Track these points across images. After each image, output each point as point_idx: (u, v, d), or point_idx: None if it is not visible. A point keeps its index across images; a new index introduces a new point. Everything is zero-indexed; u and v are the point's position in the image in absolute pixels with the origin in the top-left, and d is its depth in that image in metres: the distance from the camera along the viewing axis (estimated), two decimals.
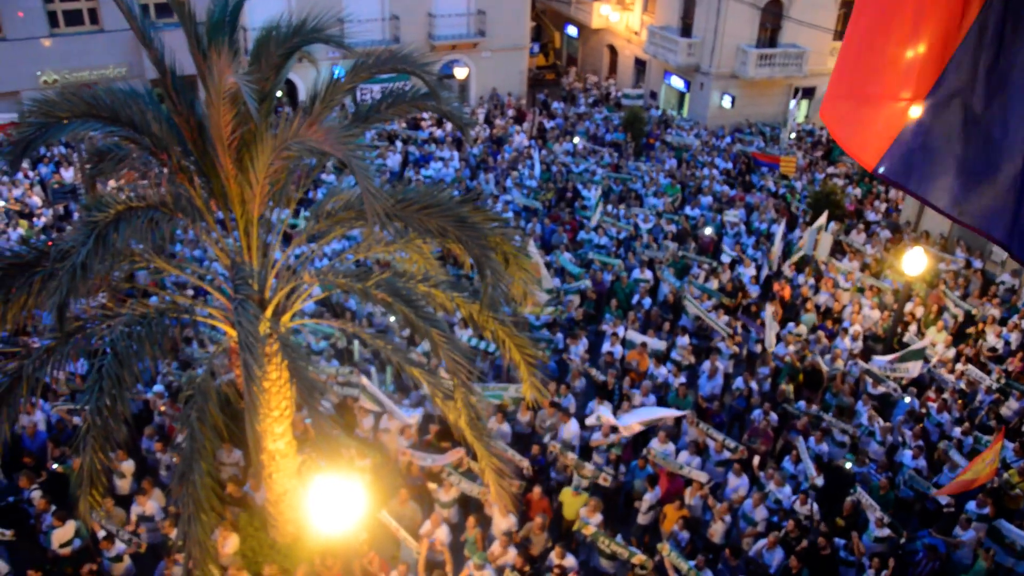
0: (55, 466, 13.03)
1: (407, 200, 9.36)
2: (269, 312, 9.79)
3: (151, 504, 12.29)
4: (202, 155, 9.39)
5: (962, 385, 16.27)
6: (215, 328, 12.62)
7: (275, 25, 9.70)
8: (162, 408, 14.14)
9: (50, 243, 9.65)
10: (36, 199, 24.00)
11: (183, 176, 9.47)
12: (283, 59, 9.79)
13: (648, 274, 19.77)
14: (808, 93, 35.28)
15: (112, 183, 11.85)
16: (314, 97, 10.20)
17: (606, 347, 16.75)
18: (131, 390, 8.98)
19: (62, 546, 11.73)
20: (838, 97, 4.00)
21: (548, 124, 33.44)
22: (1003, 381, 16.14)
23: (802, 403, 15.06)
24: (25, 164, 25.95)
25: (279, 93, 11.51)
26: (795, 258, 20.84)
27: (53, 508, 11.93)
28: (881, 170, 4.01)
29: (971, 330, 18.41)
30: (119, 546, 11.60)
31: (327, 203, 10.64)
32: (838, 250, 21.87)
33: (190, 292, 16.59)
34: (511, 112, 34.97)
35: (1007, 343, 17.85)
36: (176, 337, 16.06)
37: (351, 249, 11.15)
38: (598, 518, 12.05)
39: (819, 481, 12.98)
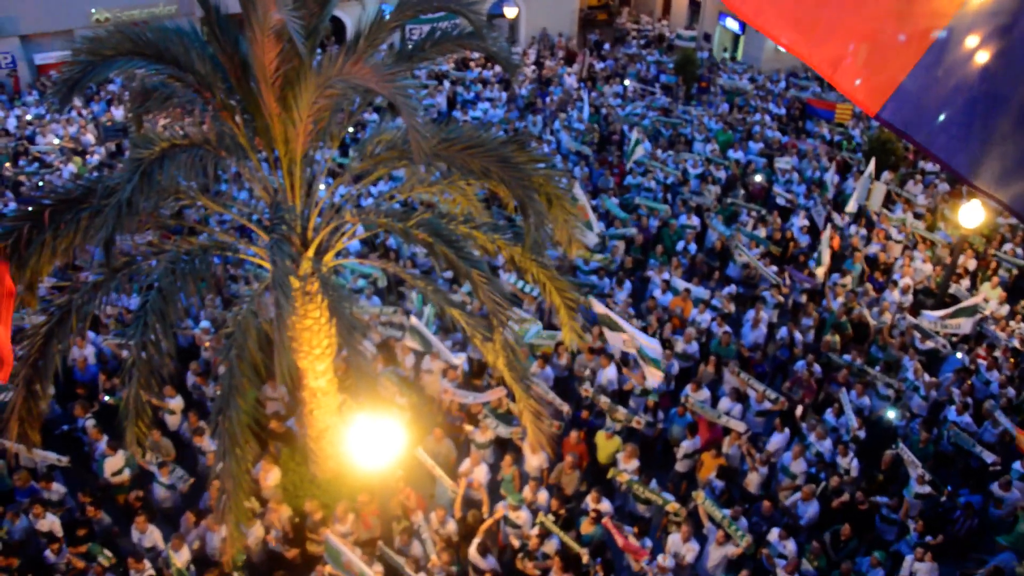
0: (106, 398, 13.39)
1: (451, 140, 9.28)
2: (311, 251, 9.84)
3: (205, 440, 12.61)
4: (246, 93, 9.37)
5: (1015, 343, 15.91)
6: (260, 266, 12.76)
7: None
8: (207, 344, 14.39)
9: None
10: (90, 136, 24.35)
11: (227, 114, 9.47)
12: None
13: (695, 220, 19.51)
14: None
15: (159, 121, 11.94)
16: (359, 35, 10.09)
17: (652, 292, 16.64)
18: (177, 325, 9.13)
19: (114, 474, 12.13)
20: (821, 38, 3.53)
21: (599, 66, 32.88)
22: None
23: (847, 356, 14.85)
24: (78, 102, 26.31)
25: (325, 30, 11.42)
26: (849, 207, 20.37)
27: (105, 438, 12.31)
28: (886, 115, 3.55)
29: None
30: (178, 472, 11.97)
31: (372, 142, 10.61)
32: (892, 200, 21.34)
33: (235, 231, 16.80)
34: (561, 53, 34.44)
35: None
36: (220, 275, 16.31)
37: (395, 189, 11.12)
38: (634, 464, 12.09)
39: (861, 434, 12.85)
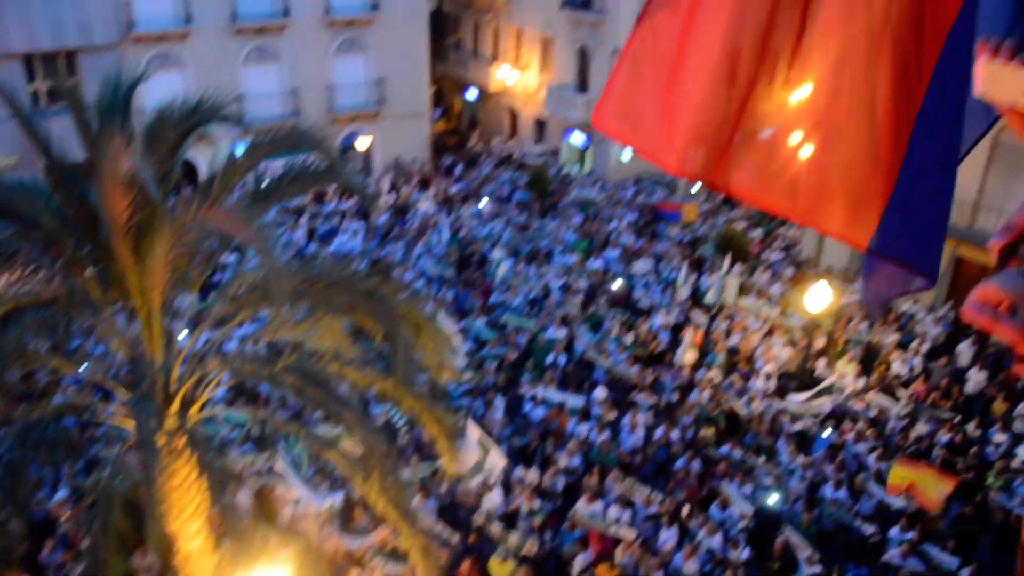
0: None
1: (314, 277, 9.20)
2: (176, 406, 9.41)
3: None
4: (98, 244, 9.06)
5: (873, 413, 16.78)
6: (121, 427, 12.09)
7: (170, 106, 9.50)
8: (64, 516, 13.36)
9: None
10: None
11: (78, 268, 9.11)
12: (180, 140, 9.58)
13: (563, 331, 19.85)
14: None
15: (4, 280, 11.37)
16: (213, 178, 9.98)
17: (527, 409, 16.67)
18: (27, 503, 8.48)
19: None
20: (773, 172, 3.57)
21: (453, 188, 33.60)
22: (911, 406, 16.72)
23: (725, 448, 15.21)
24: None
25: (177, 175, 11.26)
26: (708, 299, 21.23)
27: None
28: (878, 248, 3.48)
29: (879, 362, 19.07)
30: None
31: (233, 285, 10.38)
32: (745, 291, 22.40)
33: (93, 388, 15.91)
34: (416, 179, 35.04)
35: (911, 368, 18.54)
36: (76, 439, 15.35)
37: (260, 331, 10.86)
38: None
39: (750, 523, 13.07)
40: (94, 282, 9.19)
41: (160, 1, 30.03)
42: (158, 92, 23.35)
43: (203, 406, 10.05)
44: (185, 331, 10.69)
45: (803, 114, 3.32)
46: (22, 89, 27.03)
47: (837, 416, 16.75)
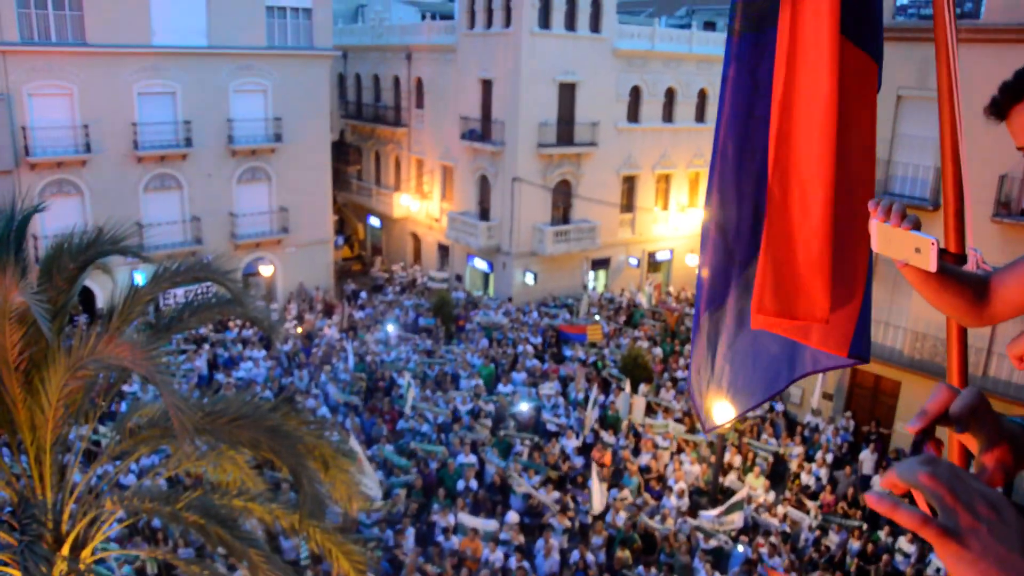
0: None
1: (216, 412, 8.93)
2: (67, 549, 8.85)
3: None
4: None
5: (786, 527, 16.97)
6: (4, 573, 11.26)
7: (69, 236, 9.29)
8: None
9: None
10: None
11: None
12: (78, 271, 9.34)
13: (473, 457, 19.61)
14: (603, 264, 37.52)
15: None
16: (112, 310, 9.72)
17: (438, 537, 16.27)
18: None
19: None
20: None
21: (358, 315, 33.44)
22: (820, 517, 17.01)
23: (641, 568, 15.07)
24: None
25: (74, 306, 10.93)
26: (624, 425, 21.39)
27: None
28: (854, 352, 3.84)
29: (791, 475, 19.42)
30: None
31: (130, 418, 9.99)
32: (651, 410, 22.67)
33: None
34: (320, 306, 34.80)
35: (818, 479, 18.92)
36: None
37: (161, 464, 10.42)
38: None
39: None
40: None
41: (58, 129, 29.71)
42: (55, 218, 23.01)
43: (96, 547, 9.49)
44: (78, 466, 10.18)
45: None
46: None
47: (750, 531, 16.87)
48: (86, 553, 9.19)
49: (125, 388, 22.20)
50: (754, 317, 3.48)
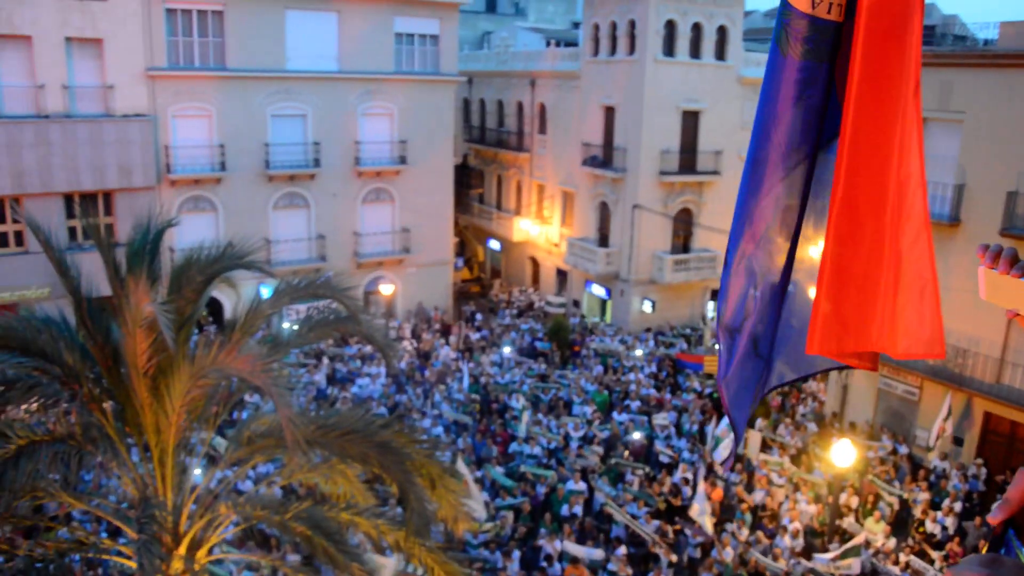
0: None
1: (329, 426, 9.16)
2: (183, 548, 9.21)
3: None
4: (116, 382, 9.12)
5: None
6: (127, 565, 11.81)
7: (197, 250, 9.74)
8: None
9: None
10: None
11: (94, 405, 9.13)
12: (205, 284, 9.77)
13: (582, 484, 19.44)
14: (719, 297, 36.73)
15: (20, 412, 11.40)
16: (235, 321, 10.11)
17: (542, 563, 16.16)
18: None
19: None
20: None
21: (474, 336, 33.78)
22: (945, 568, 15.99)
23: None
24: None
25: (204, 312, 11.45)
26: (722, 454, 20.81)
27: None
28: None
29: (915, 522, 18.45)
30: None
31: (248, 428, 10.34)
32: (767, 446, 21.99)
33: (101, 522, 15.65)
34: (437, 325, 35.32)
35: (944, 528, 17.89)
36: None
37: (276, 473, 10.74)
38: None
39: None
40: (110, 418, 9.18)
41: (197, 148, 31.37)
42: (190, 232, 24.17)
43: (211, 549, 9.83)
44: (199, 470, 10.60)
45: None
46: (62, 225, 27.97)
47: None
48: (201, 553, 9.54)
49: (247, 399, 23.04)
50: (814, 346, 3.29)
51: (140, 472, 9.54)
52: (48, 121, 28.52)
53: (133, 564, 9.53)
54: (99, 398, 9.13)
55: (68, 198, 29.40)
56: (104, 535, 12.94)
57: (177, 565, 9.12)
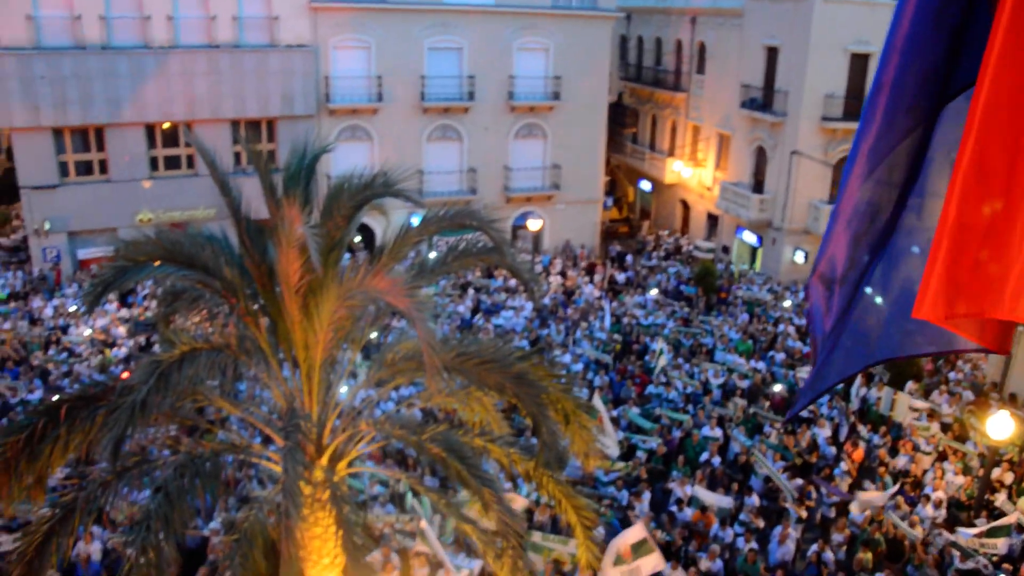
0: None
1: (468, 354, 9.37)
2: (325, 459, 9.72)
3: None
4: (270, 299, 9.61)
5: None
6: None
7: (348, 177, 10.04)
8: (216, 548, 13.98)
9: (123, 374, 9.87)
10: (120, 330, 24.88)
11: (250, 318, 9.66)
12: (355, 209, 10.07)
13: (718, 431, 19.23)
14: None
15: (186, 321, 12.20)
16: (383, 247, 10.43)
17: (672, 506, 16.19)
18: (181, 530, 8.92)
19: None
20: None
21: (620, 277, 33.64)
22: None
23: (880, 574, 14.14)
24: (112, 296, 27.09)
25: (355, 238, 11.91)
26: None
27: None
28: None
29: None
30: None
31: (391, 351, 10.71)
32: (916, 411, 21.01)
33: (254, 429, 16.68)
34: (583, 264, 35.35)
35: None
36: (232, 476, 16.07)
37: (416, 396, 11.14)
38: None
39: None
40: (263, 332, 9.71)
41: (355, 79, 32.25)
42: (347, 160, 25.01)
43: (351, 462, 10.32)
44: (344, 387, 11.09)
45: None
46: (227, 150, 29.50)
47: (1017, 560, 15.24)
48: (342, 465, 10.04)
49: (394, 323, 23.82)
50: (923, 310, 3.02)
51: (289, 385, 10.08)
52: (218, 51, 30.06)
53: (279, 469, 10.15)
54: (254, 313, 9.65)
55: (234, 124, 30.97)
56: (257, 440, 13.80)
57: (319, 474, 9.64)
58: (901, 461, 18.37)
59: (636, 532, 13.10)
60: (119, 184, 30.63)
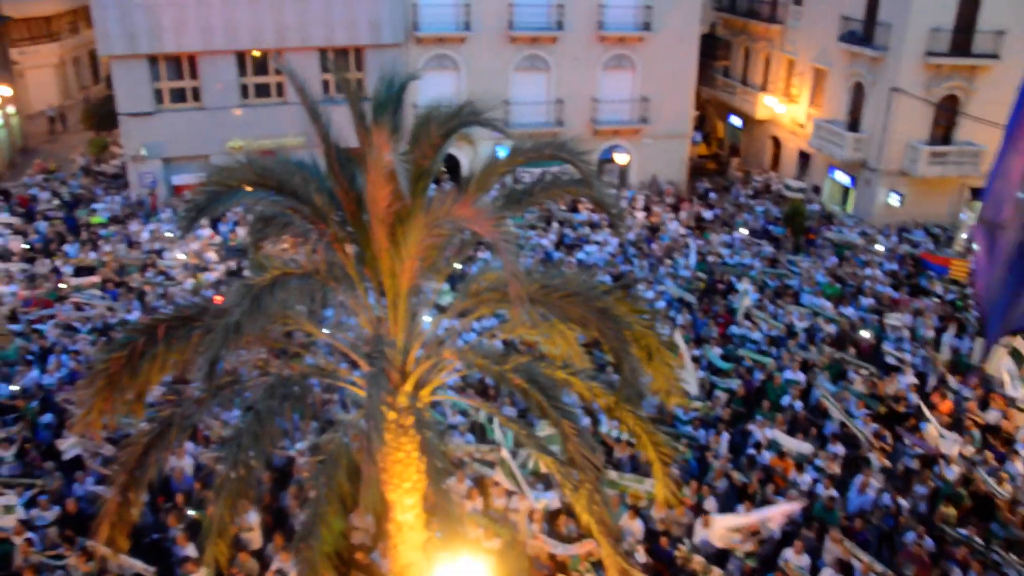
0: (191, 512, 13.49)
1: (552, 287, 9.35)
2: (409, 385, 9.87)
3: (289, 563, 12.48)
4: (358, 226, 9.70)
5: None
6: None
7: (436, 106, 9.99)
8: (302, 468, 14.45)
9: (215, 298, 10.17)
10: (211, 254, 25.63)
11: (338, 245, 9.79)
12: (442, 139, 10.03)
13: (800, 375, 18.91)
14: (983, 193, 33.56)
15: (278, 247, 12.46)
16: (470, 177, 10.41)
17: (751, 448, 16.06)
18: (270, 449, 9.24)
19: None
20: None
21: (707, 214, 33.05)
22: None
23: (964, 531, 13.80)
24: (205, 221, 27.85)
25: (442, 168, 11.89)
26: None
27: (192, 549, 12.36)
28: None
29: None
30: None
31: (476, 281, 10.75)
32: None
33: (341, 355, 17.07)
34: (670, 200, 34.82)
35: None
36: (318, 400, 16.53)
37: (499, 327, 11.21)
38: None
39: None
40: (351, 259, 9.84)
41: (443, 7, 31.94)
42: (434, 89, 24.98)
43: (434, 390, 10.48)
44: (428, 317, 11.21)
45: None
46: (316, 78, 29.71)
47: None
48: (424, 392, 10.20)
49: (478, 255, 23.95)
50: None
51: (375, 313, 10.23)
52: None
53: (364, 394, 10.37)
54: (342, 239, 9.77)
55: (323, 53, 31.15)
56: (343, 365, 14.12)
57: (402, 400, 9.81)
58: (992, 415, 17.79)
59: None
60: (211, 111, 31.30)
